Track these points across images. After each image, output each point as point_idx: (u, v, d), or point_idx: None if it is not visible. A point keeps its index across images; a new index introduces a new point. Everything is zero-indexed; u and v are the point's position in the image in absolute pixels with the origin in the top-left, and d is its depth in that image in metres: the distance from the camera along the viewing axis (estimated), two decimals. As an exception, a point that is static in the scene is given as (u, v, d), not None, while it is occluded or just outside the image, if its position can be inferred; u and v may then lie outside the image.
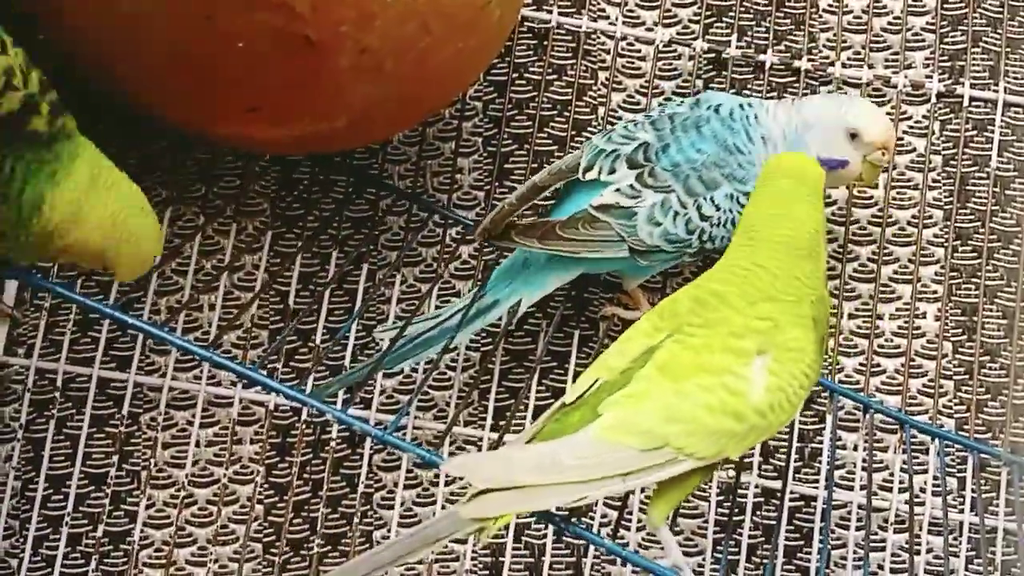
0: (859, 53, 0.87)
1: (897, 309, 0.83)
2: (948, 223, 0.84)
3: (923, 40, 0.87)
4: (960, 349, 0.83)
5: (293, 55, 0.69)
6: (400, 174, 0.84)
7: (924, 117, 0.86)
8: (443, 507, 0.80)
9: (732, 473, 0.80)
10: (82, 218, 0.65)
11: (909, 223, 0.84)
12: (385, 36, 0.70)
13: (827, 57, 0.87)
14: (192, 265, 0.81)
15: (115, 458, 0.79)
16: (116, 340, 0.80)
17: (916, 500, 0.79)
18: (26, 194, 0.63)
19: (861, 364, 0.82)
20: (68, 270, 0.77)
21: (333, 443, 0.80)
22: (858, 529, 0.79)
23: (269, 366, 0.81)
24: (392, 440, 0.66)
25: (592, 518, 0.80)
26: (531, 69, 0.86)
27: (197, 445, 0.80)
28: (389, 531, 0.80)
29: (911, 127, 0.86)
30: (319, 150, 0.81)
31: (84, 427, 0.79)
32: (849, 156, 0.76)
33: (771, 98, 0.86)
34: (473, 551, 0.80)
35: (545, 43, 0.86)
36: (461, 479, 0.78)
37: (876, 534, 0.79)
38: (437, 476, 0.80)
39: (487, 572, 0.80)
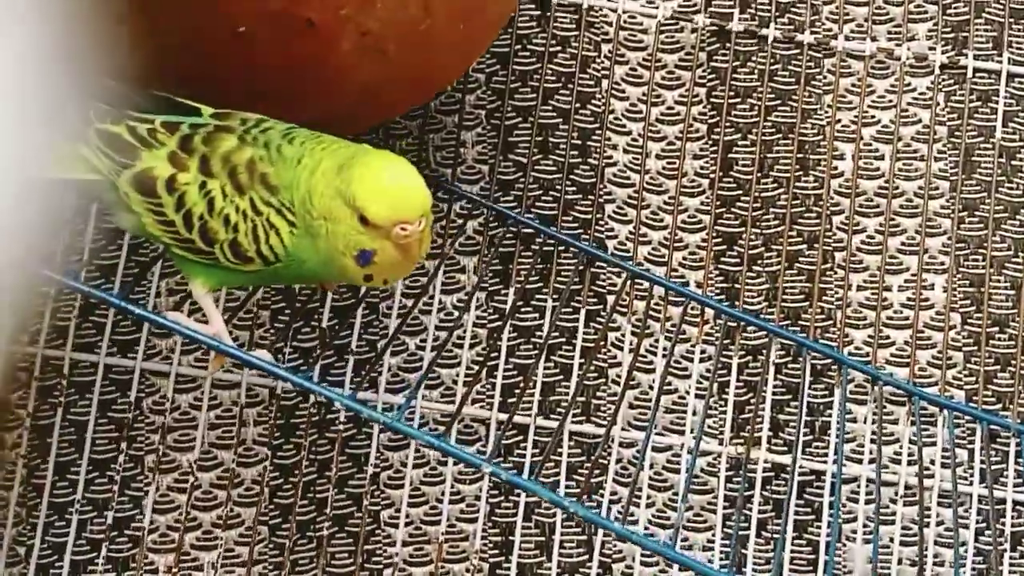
0: (862, 26, 0.88)
1: (905, 281, 0.84)
2: (954, 194, 0.85)
3: (926, 12, 0.88)
4: (968, 320, 0.84)
5: (295, 39, 0.70)
6: (403, 149, 0.84)
7: (928, 89, 0.87)
8: (452, 486, 0.81)
9: (741, 449, 0.80)
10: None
11: (915, 194, 0.85)
12: (386, 18, 0.70)
13: (830, 30, 0.87)
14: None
15: (122, 444, 0.79)
16: (119, 326, 0.80)
17: (926, 472, 0.80)
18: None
19: (870, 336, 0.83)
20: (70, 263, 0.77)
21: (339, 423, 0.81)
22: (868, 503, 0.80)
23: (274, 348, 0.81)
24: (401, 427, 0.66)
25: (602, 496, 0.81)
26: (535, 41, 0.86)
27: (202, 427, 0.80)
28: (398, 511, 0.80)
29: (915, 99, 0.87)
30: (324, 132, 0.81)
31: (92, 414, 0.79)
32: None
33: (775, 70, 0.87)
34: (483, 530, 0.81)
35: (548, 15, 0.86)
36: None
37: (886, 507, 0.81)
38: (445, 455, 0.80)
39: (497, 551, 0.81)
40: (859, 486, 0.81)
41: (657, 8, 0.86)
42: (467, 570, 0.81)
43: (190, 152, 0.66)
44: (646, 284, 0.82)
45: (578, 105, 0.86)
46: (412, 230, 0.64)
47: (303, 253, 0.66)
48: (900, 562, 0.80)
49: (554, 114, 0.86)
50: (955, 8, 0.88)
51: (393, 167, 0.64)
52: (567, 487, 0.81)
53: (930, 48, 0.88)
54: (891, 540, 0.81)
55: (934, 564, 0.80)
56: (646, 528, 0.81)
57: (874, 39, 0.87)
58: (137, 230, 0.68)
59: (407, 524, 0.81)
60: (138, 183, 0.66)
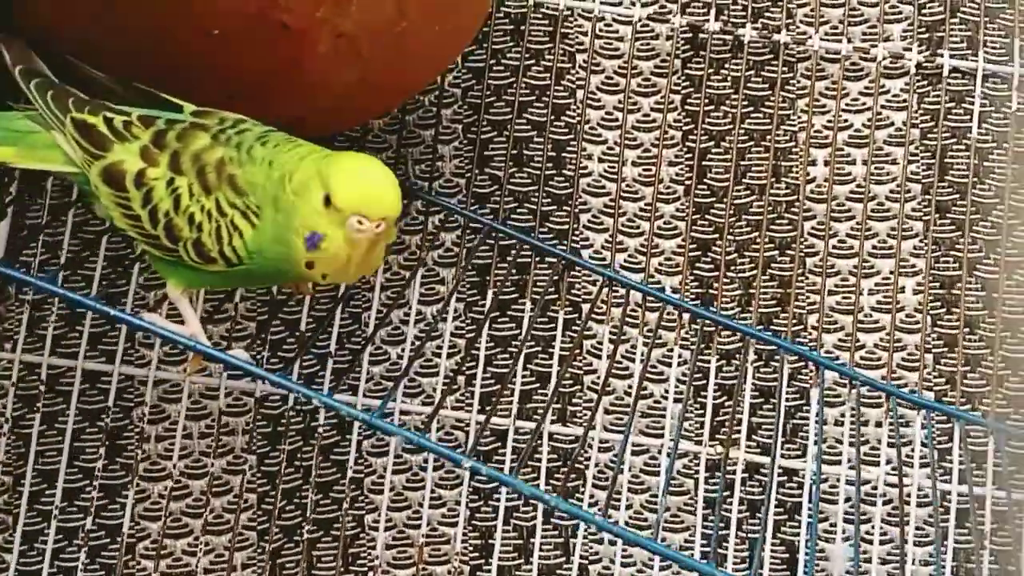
0: (836, 27, 0.89)
1: (876, 284, 0.86)
2: (927, 196, 0.86)
3: (900, 12, 0.89)
4: (939, 322, 0.85)
5: (269, 41, 0.71)
6: (382, 162, 0.86)
7: (903, 90, 0.88)
8: (432, 490, 0.83)
9: (720, 449, 0.82)
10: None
11: (888, 197, 0.87)
12: (361, 21, 0.72)
13: (804, 32, 0.89)
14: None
15: (103, 451, 0.81)
16: (102, 333, 0.83)
17: (902, 471, 0.81)
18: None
19: (841, 340, 0.85)
20: (47, 270, 0.80)
21: (322, 430, 0.83)
22: (846, 501, 0.82)
23: (256, 356, 0.83)
24: (380, 424, 0.68)
25: (581, 499, 0.83)
26: (509, 55, 0.88)
27: (188, 437, 0.82)
28: (380, 515, 0.82)
29: (889, 101, 0.88)
30: (300, 136, 0.83)
31: (69, 421, 0.81)
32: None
33: (749, 76, 0.88)
34: (464, 534, 0.83)
35: (522, 28, 0.88)
36: (450, 463, 0.80)
37: (861, 506, 0.82)
38: (426, 460, 0.83)
39: (477, 554, 0.83)
40: (834, 486, 0.83)
41: (633, 11, 0.88)
42: (448, 572, 0.83)
43: (162, 148, 0.67)
44: (622, 291, 0.84)
45: (553, 117, 0.87)
46: (367, 227, 0.64)
47: (261, 246, 0.66)
48: (880, 562, 0.81)
49: (529, 127, 0.87)
50: (930, 8, 0.89)
51: (375, 165, 0.66)
52: (545, 490, 0.83)
53: (905, 48, 0.89)
54: (866, 541, 0.82)
55: (912, 563, 0.81)
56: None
57: (849, 40, 0.89)
58: (110, 221, 0.69)
59: (389, 528, 0.83)
60: (107, 175, 0.67)
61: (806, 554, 0.82)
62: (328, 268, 0.66)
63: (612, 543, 0.82)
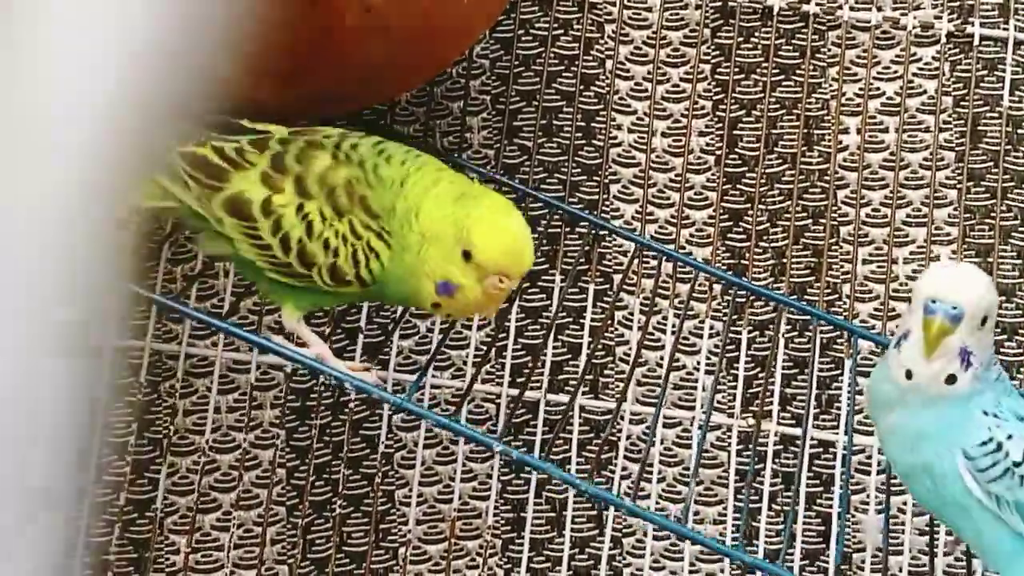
0: (867, -4, 0.88)
1: (911, 253, 0.85)
2: (960, 164, 0.86)
3: (931, -19, 0.89)
4: (976, 290, 0.84)
5: (299, 14, 0.71)
6: (411, 135, 0.86)
7: (934, 58, 0.87)
8: (463, 464, 0.82)
9: (752, 421, 0.81)
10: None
11: (921, 165, 0.86)
12: (389, -8, 0.71)
13: (835, 0, 0.88)
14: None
15: (135, 426, 0.81)
16: (132, 309, 0.82)
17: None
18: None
19: (877, 309, 0.84)
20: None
21: (352, 404, 0.83)
22: (879, 473, 0.81)
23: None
24: (411, 407, 0.68)
25: (612, 471, 0.82)
26: (537, 25, 0.87)
27: (217, 411, 0.82)
28: (411, 490, 0.82)
29: (921, 69, 0.87)
30: (330, 112, 0.83)
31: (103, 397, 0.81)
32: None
33: (779, 44, 0.87)
34: (495, 507, 0.82)
35: (550, -3, 0.87)
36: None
37: (896, 477, 0.81)
38: (457, 434, 0.82)
39: (509, 527, 0.82)
40: (869, 457, 0.82)
41: (660, -13, 0.87)
42: (480, 547, 0.83)
43: (283, 172, 0.66)
44: (653, 263, 0.83)
45: (582, 87, 0.87)
46: (507, 285, 0.64)
47: (389, 272, 0.66)
48: (917, 532, 0.81)
49: (558, 97, 0.87)
50: (961, -22, 0.89)
51: (517, 221, 0.65)
52: (577, 463, 0.82)
53: (936, 17, 0.88)
54: (901, 510, 0.81)
55: (946, 533, 0.81)
56: (657, 502, 0.83)
57: (879, 8, 0.88)
58: (224, 255, 0.68)
59: (420, 503, 0.83)
60: (231, 207, 0.66)
61: (838, 526, 0.81)
62: (457, 311, 0.67)
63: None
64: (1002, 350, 0.84)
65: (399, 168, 0.66)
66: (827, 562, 0.81)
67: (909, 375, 0.64)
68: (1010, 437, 0.65)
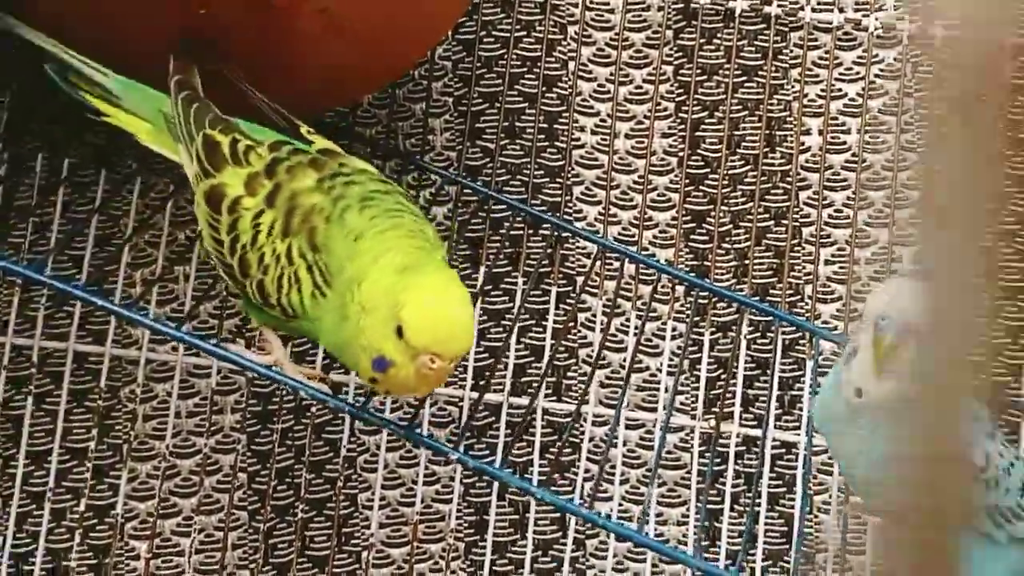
0: (829, -2, 0.88)
1: (873, 253, 0.85)
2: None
3: (893, -18, 0.89)
4: (937, 291, 0.84)
5: (254, 19, 0.71)
6: (372, 137, 0.86)
7: (896, 60, 0.88)
8: (426, 467, 0.82)
9: (713, 423, 0.82)
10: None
11: (883, 167, 0.86)
12: (344, -4, 0.71)
13: (796, 2, 0.88)
14: (164, 236, 0.83)
15: (95, 432, 0.81)
16: (91, 314, 0.82)
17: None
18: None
19: (839, 310, 0.84)
20: (37, 251, 0.79)
21: (314, 408, 0.82)
22: (841, 474, 0.81)
23: (247, 335, 0.83)
24: (367, 416, 0.67)
25: (575, 474, 0.82)
26: (499, 26, 0.87)
27: (178, 416, 0.82)
28: (373, 493, 0.82)
29: (883, 70, 0.88)
30: (292, 114, 0.83)
31: (62, 402, 0.81)
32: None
33: (741, 46, 0.88)
34: (458, 510, 0.82)
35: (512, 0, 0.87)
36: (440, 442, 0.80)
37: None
38: (414, 443, 0.82)
39: (472, 530, 0.82)
40: (831, 457, 0.82)
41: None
42: (443, 550, 0.83)
43: (270, 177, 0.65)
44: (616, 264, 0.83)
45: (544, 88, 0.87)
46: (440, 366, 0.60)
47: (324, 324, 0.64)
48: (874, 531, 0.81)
49: (521, 99, 0.87)
50: (923, -21, 0.89)
51: (453, 299, 0.61)
52: (540, 466, 0.82)
53: (898, 18, 0.88)
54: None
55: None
56: (620, 504, 0.83)
57: (841, 10, 0.88)
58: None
59: (383, 506, 0.83)
60: (209, 195, 0.66)
61: (798, 526, 0.82)
62: (393, 389, 0.64)
63: (609, 517, 0.82)
64: (963, 350, 0.84)
65: (366, 221, 0.63)
66: (789, 562, 0.81)
67: (859, 393, 0.64)
68: (969, 444, 0.65)
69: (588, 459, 0.83)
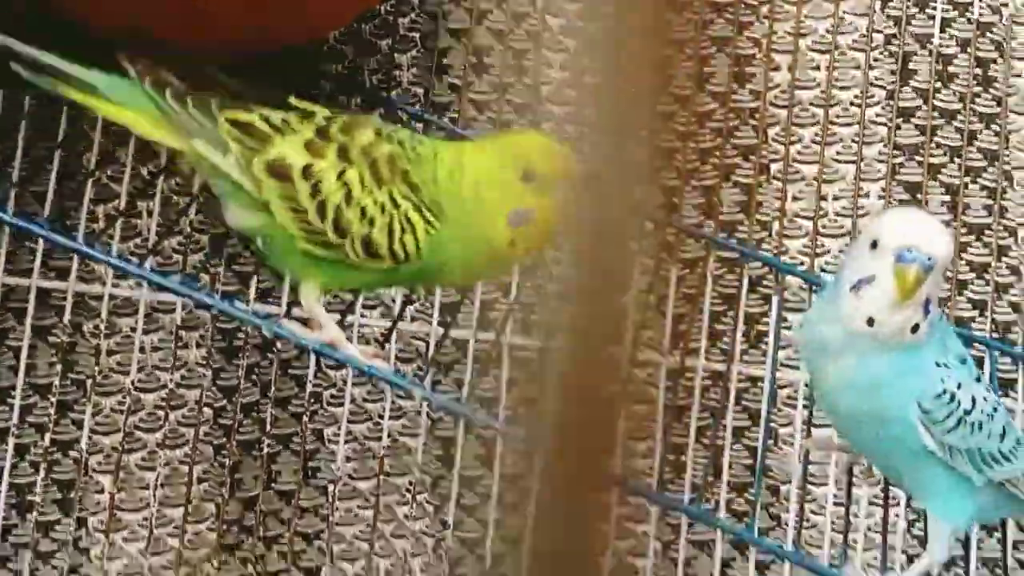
0: (798, -66, 0.88)
1: (841, 190, 0.85)
2: (891, 102, 0.86)
3: (863, -81, 0.89)
4: (904, 227, 0.85)
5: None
6: (337, 72, 0.85)
7: (865, -3, 0.88)
8: (392, 402, 0.82)
9: (679, 358, 0.82)
10: None
11: (852, 103, 0.86)
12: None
13: (766, -61, 0.88)
14: (128, 171, 0.82)
15: (59, 368, 0.81)
16: (54, 251, 0.82)
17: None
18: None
19: (806, 246, 0.84)
20: None
21: (280, 344, 0.82)
22: (805, 407, 0.81)
23: (212, 271, 0.82)
24: (329, 352, 0.67)
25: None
26: (465, -40, 0.87)
27: (142, 351, 0.82)
28: (340, 428, 0.82)
29: (852, 7, 0.87)
30: (255, 50, 0.82)
31: (25, 338, 0.80)
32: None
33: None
34: (425, 444, 0.82)
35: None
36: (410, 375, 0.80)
37: (819, 412, 0.82)
38: (379, 380, 0.82)
39: (439, 464, 0.82)
40: (796, 391, 0.83)
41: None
42: (410, 483, 0.83)
43: (328, 140, 0.67)
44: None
45: (513, 24, 0.86)
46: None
47: (447, 247, 0.66)
48: (836, 465, 0.81)
49: (488, 35, 0.86)
50: (893, -83, 0.89)
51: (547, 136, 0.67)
52: (506, 403, 0.82)
53: (867, -43, 0.88)
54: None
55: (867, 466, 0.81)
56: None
57: (811, -51, 0.88)
58: (254, 225, 0.68)
59: (350, 441, 0.83)
60: (272, 169, 0.66)
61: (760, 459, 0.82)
62: (534, 239, 0.66)
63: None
64: (929, 285, 0.84)
65: (431, 145, 0.68)
66: (753, 496, 0.81)
67: (871, 322, 0.64)
68: (959, 386, 0.65)
69: (554, 394, 0.82)
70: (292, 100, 0.69)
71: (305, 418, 0.82)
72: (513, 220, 0.65)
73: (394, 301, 0.83)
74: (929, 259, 0.62)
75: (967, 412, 0.65)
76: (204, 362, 0.83)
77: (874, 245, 0.63)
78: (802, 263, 0.84)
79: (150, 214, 0.83)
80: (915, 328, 0.64)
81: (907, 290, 0.62)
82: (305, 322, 0.68)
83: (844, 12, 0.87)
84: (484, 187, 0.65)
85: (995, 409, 0.66)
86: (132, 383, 0.82)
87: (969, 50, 0.87)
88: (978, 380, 0.66)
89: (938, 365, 0.65)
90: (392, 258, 0.66)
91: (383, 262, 0.66)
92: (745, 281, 0.83)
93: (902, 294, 0.63)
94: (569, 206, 0.64)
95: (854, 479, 0.77)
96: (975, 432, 0.66)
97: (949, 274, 0.84)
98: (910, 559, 0.74)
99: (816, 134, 0.86)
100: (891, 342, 0.64)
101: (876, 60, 0.87)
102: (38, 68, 0.69)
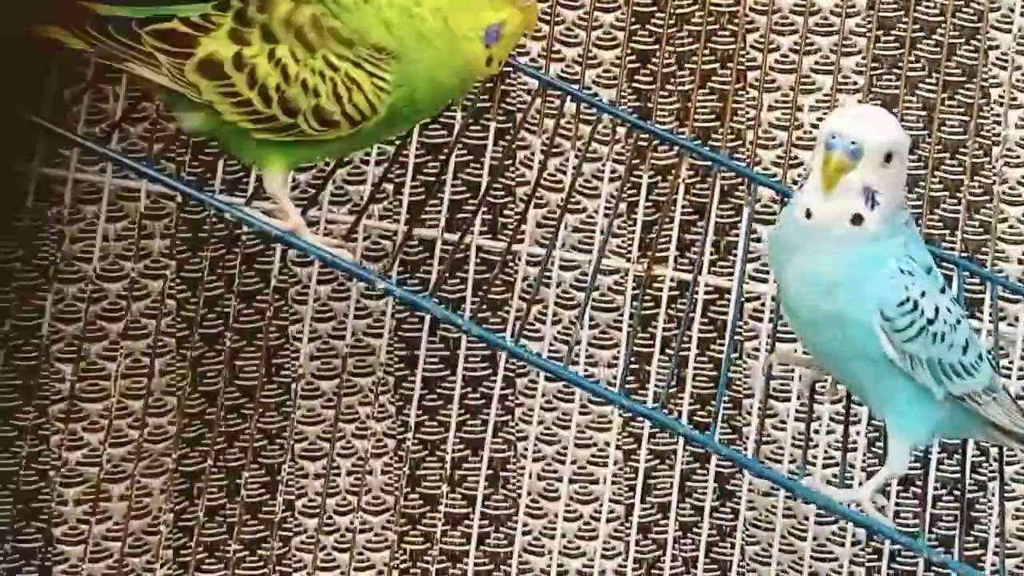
0: None
1: (817, 101, 0.84)
2: (871, 12, 0.85)
3: None
4: (879, 141, 0.84)
5: None
6: None
7: (852, -97, 0.86)
8: (357, 301, 0.82)
9: (646, 266, 0.81)
10: None
11: (832, 12, 0.85)
12: None
13: None
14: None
15: (20, 253, 0.79)
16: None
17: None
18: None
19: (779, 156, 0.84)
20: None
21: (245, 238, 0.81)
22: (771, 321, 0.82)
23: (178, 160, 0.81)
24: (293, 241, 0.66)
25: (507, 312, 0.82)
26: None
27: (105, 239, 0.81)
28: (303, 326, 0.81)
29: (838, -87, 0.86)
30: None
31: (-13, 221, 0.79)
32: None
33: None
34: (389, 344, 0.82)
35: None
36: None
37: (786, 325, 0.82)
38: (343, 271, 0.81)
39: (403, 365, 0.83)
40: (763, 304, 0.83)
41: None
42: (373, 384, 0.83)
43: (249, 24, 0.65)
44: (557, 103, 0.82)
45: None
46: None
47: (412, 83, 0.65)
48: (800, 380, 0.81)
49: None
50: None
51: None
52: (472, 303, 0.82)
53: None
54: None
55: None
56: (551, 344, 0.83)
57: None
58: (204, 126, 0.67)
59: (314, 338, 0.82)
60: (203, 70, 0.65)
61: (723, 370, 0.82)
62: (507, 47, 0.68)
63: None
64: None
65: None
66: (714, 406, 0.82)
67: (809, 214, 0.64)
68: (923, 294, 0.65)
69: (520, 298, 0.82)
70: None
71: (269, 313, 0.82)
72: (487, 38, 0.66)
73: (362, 198, 0.82)
74: (853, 143, 0.62)
75: (930, 321, 0.65)
76: (168, 252, 0.82)
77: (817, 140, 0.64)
78: (775, 175, 0.84)
79: (116, 98, 0.81)
80: (857, 220, 0.63)
81: (829, 176, 0.63)
82: (270, 214, 0.68)
83: (830, -82, 0.86)
84: (451, 12, 0.66)
85: (958, 321, 0.67)
86: (94, 271, 0.81)
87: (954, -38, 0.85)
88: (943, 292, 0.66)
89: (902, 272, 0.65)
90: (348, 121, 0.65)
91: (339, 128, 0.66)
92: (716, 190, 0.82)
93: (825, 180, 0.63)
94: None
95: (816, 396, 0.77)
96: (936, 342, 0.66)
97: (920, 190, 0.84)
98: (869, 477, 0.75)
99: (795, 42, 0.85)
100: (837, 235, 0.64)
101: (860, -31, 0.85)
102: None
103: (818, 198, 0.64)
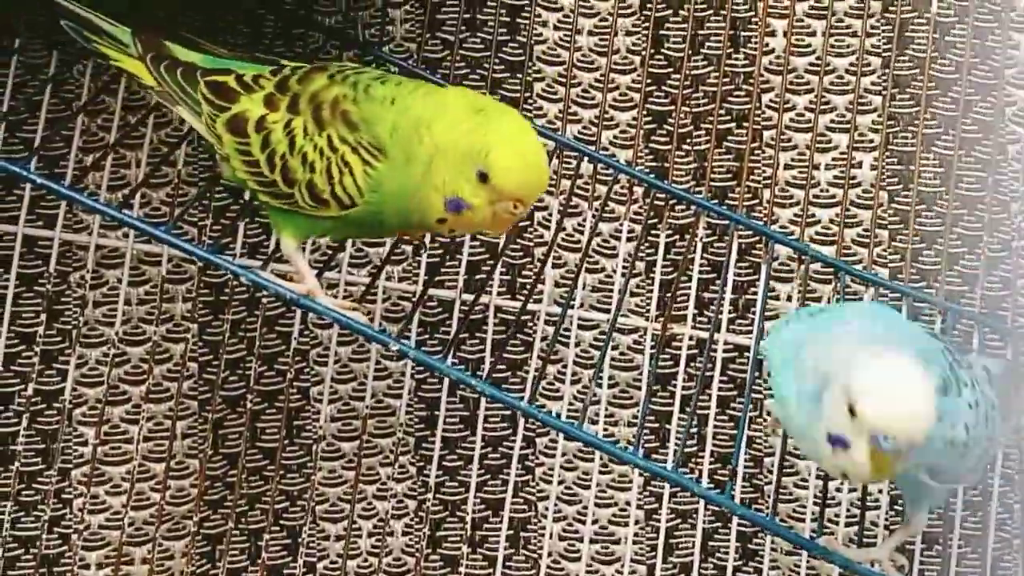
0: None
1: (833, 159, 0.85)
2: (886, 71, 0.85)
3: None
4: (896, 198, 0.85)
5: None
6: (330, 27, 0.84)
7: (865, -37, 0.87)
8: (377, 362, 0.82)
9: (669, 326, 0.82)
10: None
11: (847, 71, 0.85)
12: None
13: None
14: (116, 120, 0.82)
15: (44, 317, 0.80)
16: (41, 198, 0.81)
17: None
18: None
19: (796, 215, 0.84)
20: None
21: (266, 300, 0.82)
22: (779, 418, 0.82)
23: (199, 224, 0.82)
24: (308, 304, 0.67)
25: (526, 372, 0.82)
26: (462, -85, 0.86)
27: (128, 303, 0.81)
28: (324, 387, 0.82)
29: (851, -27, 0.87)
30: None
31: (11, 286, 0.80)
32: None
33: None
34: (408, 405, 0.82)
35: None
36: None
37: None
38: (353, 332, 0.82)
39: (423, 425, 0.83)
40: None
41: None
42: (394, 444, 0.83)
43: (284, 92, 0.67)
44: (574, 163, 0.83)
45: (507, -19, 0.86)
46: (521, 211, 0.64)
47: (385, 190, 0.65)
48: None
49: (483, -10, 0.86)
50: None
51: (537, 145, 0.64)
52: (490, 363, 0.82)
53: (869, -78, 0.87)
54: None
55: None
56: (570, 404, 0.83)
57: (812, -87, 0.87)
58: (231, 179, 0.70)
59: (334, 400, 0.83)
60: (231, 125, 0.67)
61: (742, 428, 0.82)
62: (463, 228, 0.66)
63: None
64: (919, 258, 0.84)
65: (392, 88, 0.66)
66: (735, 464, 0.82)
67: (845, 476, 0.65)
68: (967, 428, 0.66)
69: (539, 358, 0.83)
70: (283, 62, 0.69)
71: (290, 375, 0.82)
72: (448, 205, 0.64)
73: (382, 260, 0.83)
74: (898, 443, 0.61)
75: (964, 445, 0.66)
76: (190, 315, 0.82)
77: (852, 411, 0.61)
78: (792, 232, 0.84)
79: (138, 164, 0.82)
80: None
81: (881, 471, 0.62)
82: (287, 277, 0.69)
83: (843, -22, 0.86)
84: (440, 158, 0.64)
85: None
86: (117, 335, 0.81)
87: (967, 19, 0.86)
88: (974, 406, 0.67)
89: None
90: (336, 202, 0.66)
91: (329, 208, 0.66)
92: (734, 249, 0.83)
93: (876, 474, 0.63)
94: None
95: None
96: (962, 457, 0.67)
97: (939, 247, 0.84)
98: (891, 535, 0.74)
99: (810, 101, 0.85)
100: None
101: (873, 27, 0.86)
102: (76, 21, 0.71)
103: (857, 473, 0.63)
